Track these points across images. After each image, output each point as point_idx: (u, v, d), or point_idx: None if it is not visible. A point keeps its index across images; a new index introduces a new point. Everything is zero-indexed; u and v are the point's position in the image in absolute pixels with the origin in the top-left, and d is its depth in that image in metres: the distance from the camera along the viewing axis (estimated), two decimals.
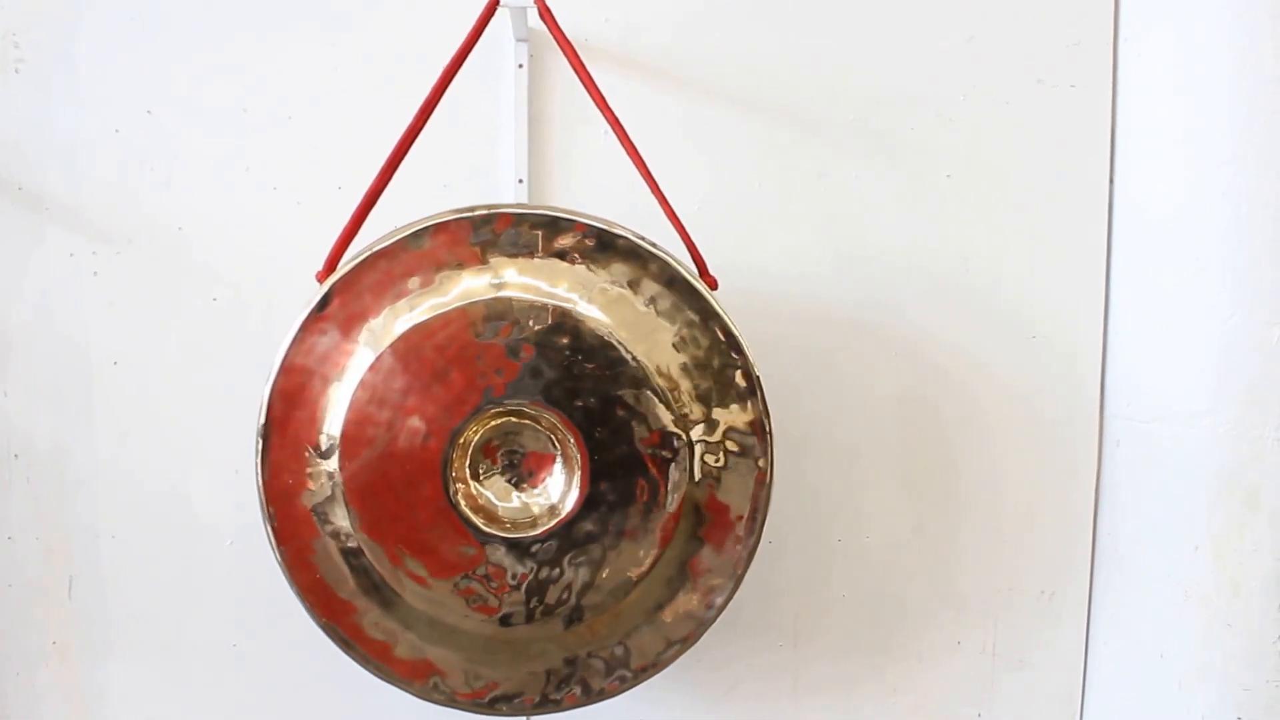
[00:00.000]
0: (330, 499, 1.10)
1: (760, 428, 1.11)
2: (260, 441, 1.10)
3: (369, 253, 1.09)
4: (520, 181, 1.35)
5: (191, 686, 1.42)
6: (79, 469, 1.39)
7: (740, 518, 1.12)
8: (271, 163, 1.36)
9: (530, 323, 1.07)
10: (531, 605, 1.11)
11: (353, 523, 1.09)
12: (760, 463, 1.11)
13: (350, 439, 1.09)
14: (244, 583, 1.38)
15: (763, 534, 1.12)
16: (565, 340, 1.08)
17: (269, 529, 1.11)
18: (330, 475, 1.09)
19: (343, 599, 1.12)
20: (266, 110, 1.35)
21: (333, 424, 1.09)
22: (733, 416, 1.11)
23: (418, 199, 1.23)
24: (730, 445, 1.11)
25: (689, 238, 1.14)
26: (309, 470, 1.10)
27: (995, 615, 1.46)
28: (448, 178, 1.36)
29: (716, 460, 1.11)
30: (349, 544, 1.10)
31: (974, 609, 1.46)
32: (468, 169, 1.37)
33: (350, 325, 1.09)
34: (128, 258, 1.37)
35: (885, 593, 1.44)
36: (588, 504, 1.09)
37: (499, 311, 1.08)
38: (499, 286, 1.08)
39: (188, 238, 1.37)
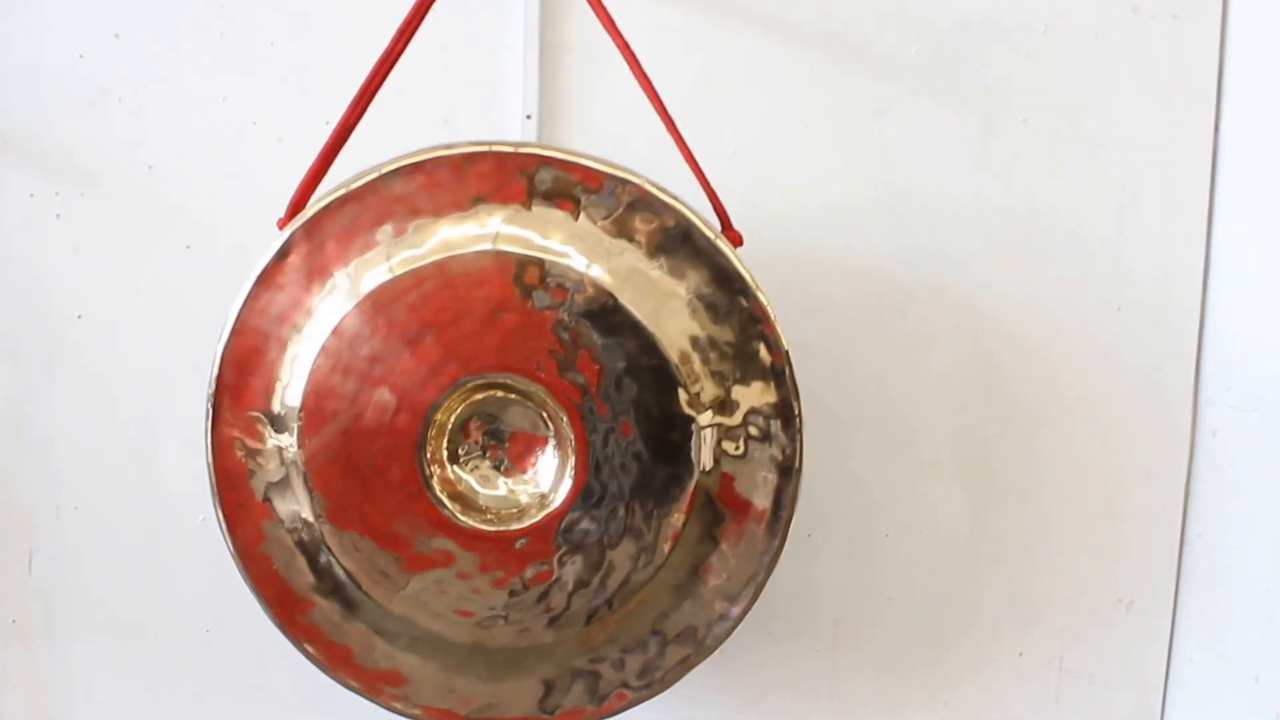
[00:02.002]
0: (286, 481, 0.95)
1: (787, 410, 0.94)
2: (208, 415, 0.96)
3: (333, 196, 0.94)
4: (529, 118, 1.19)
5: (160, 673, 1.29)
6: (38, 434, 1.26)
7: (762, 515, 0.95)
8: (252, 94, 1.21)
9: (515, 281, 0.91)
10: (516, 609, 0.96)
11: (312, 509, 0.95)
12: (787, 451, 0.94)
13: (310, 413, 0.94)
14: (218, 562, 1.24)
15: (789, 532, 0.96)
16: (555, 301, 0.91)
17: (218, 513, 0.98)
18: (287, 454, 0.95)
19: (298, 595, 0.98)
20: (246, 35, 1.19)
21: (290, 396, 0.94)
22: (755, 396, 0.94)
23: (414, 136, 1.07)
24: (752, 430, 0.94)
25: (708, 184, 0.97)
26: (263, 449, 0.96)
27: (1064, 625, 1.29)
28: (448, 112, 1.20)
29: (735, 448, 0.94)
30: (306, 534, 0.96)
31: (1040, 617, 1.28)
32: (471, 103, 1.20)
33: (311, 280, 0.94)
34: (93, 199, 1.23)
35: (938, 595, 1.27)
36: (583, 495, 0.93)
37: (481, 268, 0.92)
38: (481, 238, 0.92)
39: (159, 177, 1.22)
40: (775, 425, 0.94)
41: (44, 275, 1.24)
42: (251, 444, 0.96)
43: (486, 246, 0.92)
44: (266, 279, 0.95)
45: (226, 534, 0.97)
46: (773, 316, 0.93)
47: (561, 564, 0.94)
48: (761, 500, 0.95)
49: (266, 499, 0.96)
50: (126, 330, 1.24)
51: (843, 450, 1.23)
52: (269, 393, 0.95)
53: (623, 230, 0.92)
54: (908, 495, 1.26)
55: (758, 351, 0.93)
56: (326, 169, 0.98)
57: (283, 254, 0.94)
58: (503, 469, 0.97)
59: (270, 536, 0.97)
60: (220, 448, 0.96)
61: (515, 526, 0.95)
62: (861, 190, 1.21)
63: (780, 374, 0.94)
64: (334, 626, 0.98)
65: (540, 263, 0.91)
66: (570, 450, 0.93)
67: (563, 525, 0.94)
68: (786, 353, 0.93)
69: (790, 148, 1.21)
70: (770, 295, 0.95)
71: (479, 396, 0.94)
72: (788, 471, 0.95)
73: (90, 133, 1.22)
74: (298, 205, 0.97)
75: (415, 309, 0.92)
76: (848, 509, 1.25)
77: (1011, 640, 1.29)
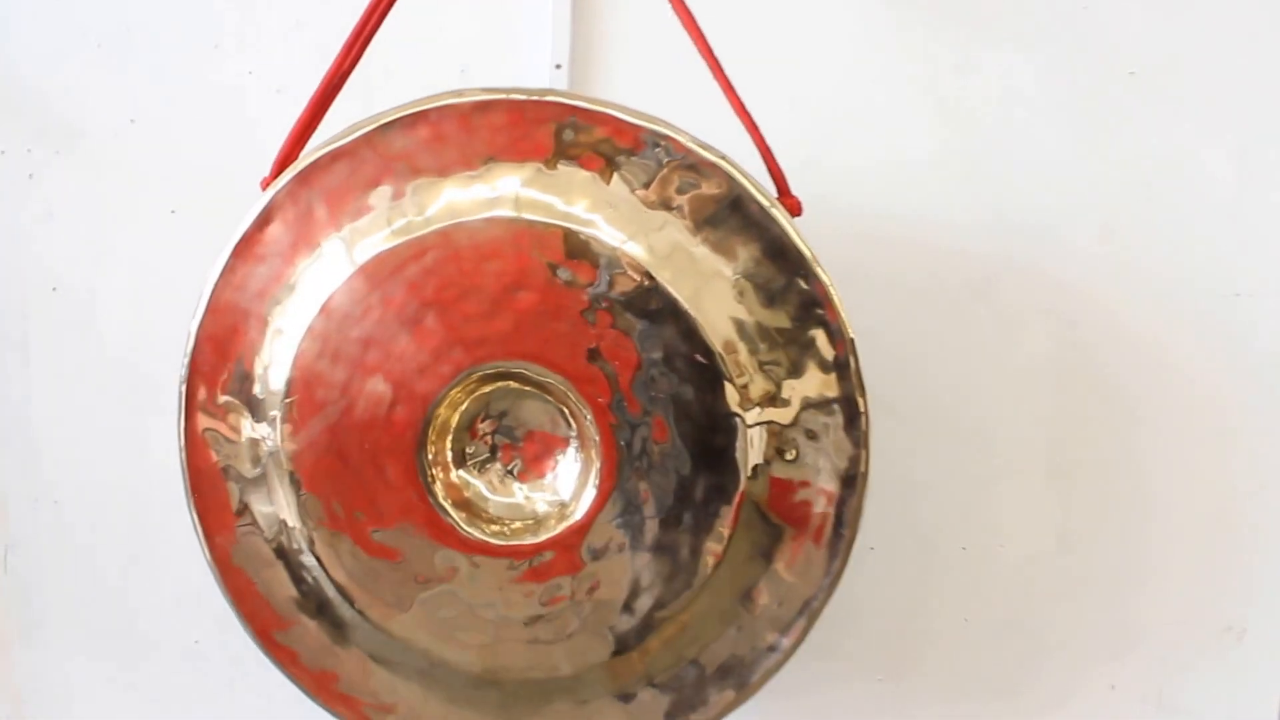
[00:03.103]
0: (268, 482, 0.82)
1: (851, 408, 0.79)
2: (181, 404, 0.83)
3: (321, 153, 0.80)
4: (558, 68, 1.05)
5: (146, 683, 1.19)
6: (12, 418, 1.15)
7: (820, 533, 0.81)
8: (246, 40, 1.08)
9: (535, 254, 0.77)
10: (531, 635, 0.82)
11: (297, 515, 0.82)
12: (850, 457, 0.80)
13: (293, 404, 0.81)
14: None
15: (851, 551, 0.81)
16: (579, 279, 0.77)
17: (193, 517, 0.85)
18: (266, 448, 0.82)
19: (278, 613, 0.85)
20: None
21: (273, 384, 0.81)
22: (813, 391, 0.79)
23: (427, 86, 0.93)
24: (808, 431, 0.79)
25: (764, 143, 0.82)
26: (242, 444, 0.83)
27: (1163, 654, 1.14)
28: (467, 59, 1.07)
29: (789, 453, 0.79)
30: (290, 542, 0.83)
31: (1135, 644, 1.13)
32: (493, 50, 1.07)
33: (296, 251, 0.81)
34: (69, 157, 1.11)
35: (1020, 618, 1.13)
36: (610, 505, 0.79)
37: (493, 237, 0.78)
38: (494, 203, 0.78)
39: (142, 133, 1.10)
40: (836, 426, 0.79)
41: (15, 243, 1.12)
42: (229, 437, 0.83)
43: (500, 213, 0.78)
44: (245, 249, 0.81)
45: (203, 540, 0.85)
46: (836, 299, 0.78)
47: (584, 585, 0.80)
48: (820, 514, 0.80)
49: (243, 500, 0.83)
50: (107, 303, 1.13)
51: (912, 452, 1.08)
52: (248, 379, 0.82)
53: (661, 196, 0.78)
54: (986, 504, 1.11)
55: (815, 340, 0.78)
56: (317, 121, 0.85)
57: (264, 220, 0.81)
58: (516, 473, 0.83)
59: (246, 545, 0.84)
60: (194, 441, 0.84)
61: (531, 540, 0.81)
62: (941, 152, 1.06)
63: (843, 366, 0.79)
64: (322, 648, 0.85)
65: (563, 233, 0.77)
66: (595, 453, 0.79)
67: (586, 540, 0.80)
68: (851, 341, 0.78)
69: (859, 101, 1.06)
70: (833, 274, 0.81)
71: (488, 388, 0.81)
72: (851, 481, 0.80)
73: (66, 81, 1.09)
74: (284, 163, 0.83)
75: (415, 285, 0.78)
76: (916, 519, 1.11)
77: (1102, 671, 1.14)
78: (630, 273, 0.77)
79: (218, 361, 0.82)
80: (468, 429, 0.82)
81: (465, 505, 0.82)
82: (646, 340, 0.77)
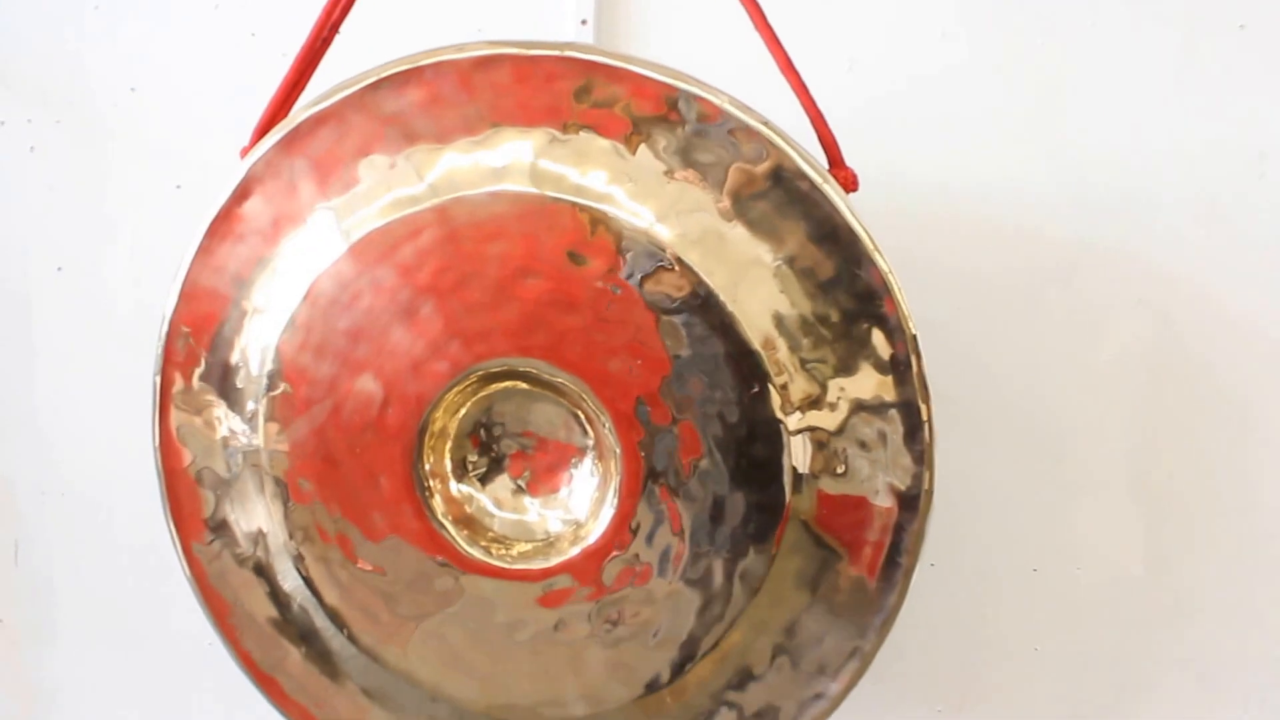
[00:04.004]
0: (244, 489, 0.73)
1: (911, 416, 0.67)
2: (155, 399, 0.75)
3: (304, 116, 0.70)
4: (584, 23, 0.94)
5: (160, 681, 1.11)
6: (18, 406, 1.07)
7: (874, 562, 0.70)
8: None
9: (545, 235, 0.67)
10: (542, 669, 0.72)
11: (278, 527, 0.73)
12: (911, 472, 0.68)
13: (276, 403, 0.71)
14: None
15: (910, 582, 0.70)
16: (594, 265, 0.66)
17: (170, 526, 0.76)
18: (247, 455, 0.73)
19: (265, 634, 0.76)
20: None
21: (252, 379, 0.72)
22: (866, 394, 0.67)
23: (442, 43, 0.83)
24: (862, 441, 0.68)
25: (814, 107, 0.71)
26: (219, 448, 0.74)
27: (1260, 692, 1.00)
28: (485, 15, 0.96)
29: (838, 467, 0.68)
30: (269, 558, 0.74)
31: (1232, 682, 1.00)
32: (513, 4, 0.97)
33: (277, 229, 0.72)
34: (69, 129, 1.03)
35: (1098, 650, 1.00)
36: (632, 524, 0.69)
37: (497, 215, 0.67)
38: (499, 174, 0.67)
39: (143, 102, 1.02)
40: (893, 436, 0.68)
41: (17, 220, 1.05)
42: (204, 435, 0.74)
43: (505, 186, 0.67)
44: (222, 226, 0.72)
45: (181, 554, 0.76)
46: (896, 289, 0.66)
47: (602, 615, 0.70)
48: (874, 541, 0.69)
49: (223, 509, 0.74)
50: (112, 285, 1.05)
51: (980, 461, 0.96)
52: (227, 374, 0.73)
53: (692, 168, 0.67)
54: (1063, 521, 0.98)
55: (870, 336, 0.67)
56: (305, 81, 0.75)
57: (241, 193, 0.72)
58: (525, 487, 0.73)
59: (227, 561, 0.75)
60: (169, 442, 0.75)
61: (541, 564, 0.71)
62: (1018, 120, 0.93)
63: (903, 367, 0.67)
64: (309, 678, 0.76)
65: (577, 211, 0.67)
66: (615, 465, 0.69)
67: (605, 565, 0.70)
68: (914, 338, 0.67)
69: (924, 61, 0.93)
70: (891, 258, 0.69)
71: (492, 389, 0.71)
72: (911, 501, 0.69)
73: (64, 47, 1.01)
74: (264, 129, 0.74)
75: (408, 269, 0.68)
76: (982, 535, 0.98)
77: (1190, 708, 1.01)
78: (655, 258, 0.66)
79: (193, 351, 0.73)
80: (470, 436, 0.72)
81: (467, 522, 0.72)
82: (674, 336, 0.67)
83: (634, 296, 0.66)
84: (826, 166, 0.70)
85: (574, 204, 0.67)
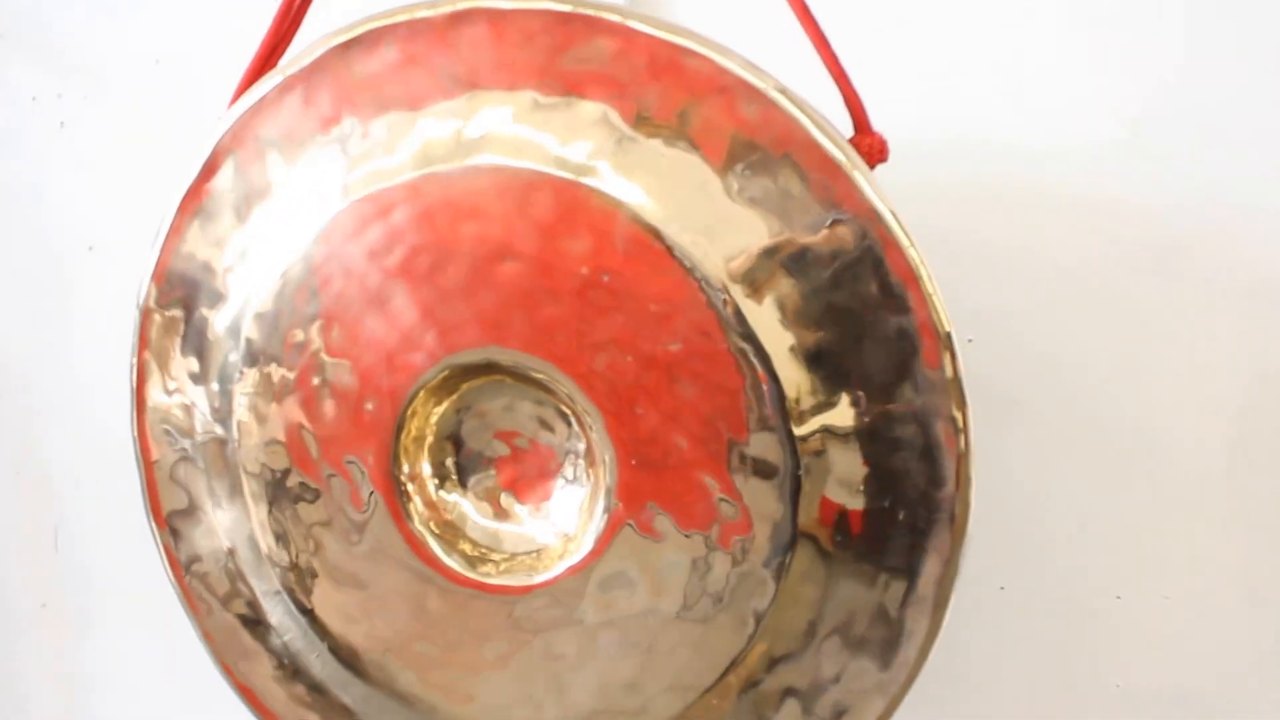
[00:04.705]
0: (215, 486, 0.68)
1: (945, 425, 0.58)
2: (132, 391, 0.70)
3: (272, 84, 0.64)
4: None
5: (198, 672, 1.06)
6: (52, 387, 1.05)
7: (904, 590, 0.60)
8: None
9: (522, 212, 0.59)
10: (521, 690, 0.65)
11: (255, 532, 0.67)
12: (941, 493, 0.58)
13: (247, 396, 0.66)
14: None
15: (940, 628, 0.60)
16: (579, 247, 0.59)
17: (152, 525, 0.72)
18: (222, 451, 0.67)
19: (247, 645, 0.71)
20: None
21: (227, 369, 0.67)
22: (888, 400, 0.58)
23: None
24: (880, 451, 0.58)
25: (836, 62, 0.61)
26: (198, 442, 0.69)
27: None
28: None
29: (855, 481, 0.59)
30: (233, 565, 0.68)
31: None
32: None
33: (249, 205, 0.66)
34: (98, 102, 0.99)
35: (1190, 689, 0.86)
36: (621, 542, 0.61)
37: (471, 190, 0.60)
38: (475, 145, 0.60)
39: (169, 73, 0.97)
40: (921, 448, 0.58)
41: (49, 197, 1.02)
42: (180, 426, 0.69)
43: (480, 159, 0.60)
44: (191, 204, 0.67)
45: (167, 565, 0.72)
46: (926, 277, 0.57)
47: (589, 643, 0.63)
48: (897, 563, 0.60)
49: (199, 511, 0.69)
50: (147, 263, 1.01)
51: (1055, 474, 0.84)
52: (198, 361, 0.68)
53: (689, 136, 0.58)
54: (1152, 543, 0.85)
55: (892, 335, 0.57)
56: (287, 42, 0.69)
57: (210, 168, 0.66)
58: (509, 492, 0.66)
59: (211, 565, 0.70)
60: (144, 434, 0.70)
61: (525, 579, 0.64)
62: (1080, 79, 0.79)
63: (934, 369, 0.58)
64: (287, 695, 0.70)
65: (557, 185, 0.59)
66: (605, 472, 0.61)
67: (589, 585, 0.62)
68: (948, 336, 0.57)
69: (969, 18, 0.80)
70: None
71: (472, 385, 0.64)
72: (932, 525, 0.59)
73: (90, 19, 0.97)
74: (244, 90, 0.68)
75: (377, 252, 0.62)
76: (1060, 557, 0.86)
77: None
78: (641, 238, 0.58)
79: (167, 339, 0.68)
80: (449, 437, 0.65)
81: (446, 530, 0.65)
82: (666, 327, 0.58)
83: (623, 283, 0.58)
84: (848, 135, 0.61)
85: (556, 178, 0.59)
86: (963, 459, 0.58)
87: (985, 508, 0.85)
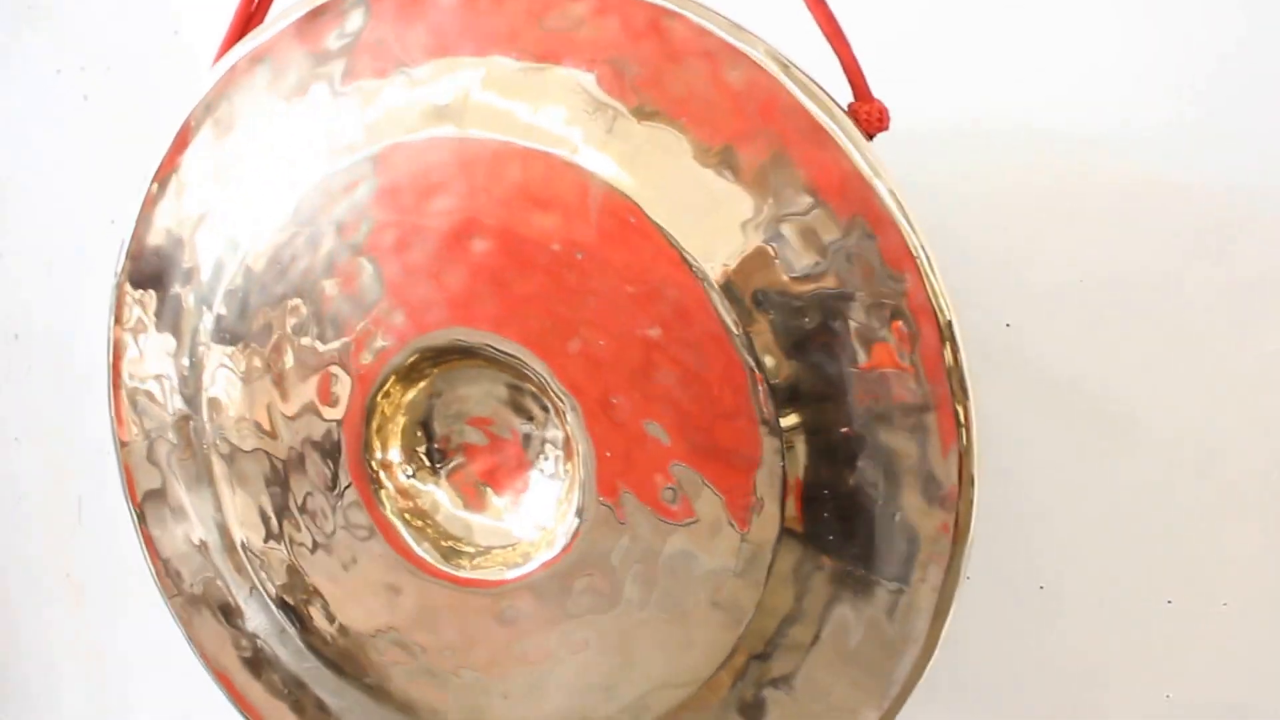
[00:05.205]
0: (187, 467, 0.66)
1: (944, 421, 0.53)
2: (108, 369, 0.68)
3: (240, 54, 0.61)
4: None
5: None
6: (77, 357, 1.05)
7: (899, 595, 0.55)
8: None
9: (490, 186, 0.55)
10: (502, 694, 0.62)
11: (226, 516, 0.65)
12: (940, 490, 0.53)
13: (215, 378, 0.63)
14: None
15: (939, 640, 0.55)
16: (550, 223, 0.55)
17: (128, 504, 0.70)
18: (193, 430, 0.65)
19: (219, 631, 0.69)
20: None
21: (195, 349, 0.64)
22: (879, 390, 0.53)
23: None
24: (871, 446, 0.53)
25: (834, 23, 0.55)
26: (171, 421, 0.66)
27: None
28: None
29: (841, 476, 0.54)
30: (210, 538, 0.66)
31: None
32: None
33: (218, 182, 0.63)
34: (120, 75, 0.98)
35: (1248, 701, 0.78)
36: (596, 536, 0.57)
37: (438, 163, 0.56)
38: (441, 114, 0.56)
39: (189, 45, 0.95)
40: (920, 445, 0.53)
41: (72, 172, 1.01)
42: (152, 408, 0.67)
43: (449, 129, 0.56)
44: (165, 176, 0.64)
45: (143, 546, 0.70)
46: (924, 261, 0.52)
47: (566, 639, 0.59)
48: (889, 567, 0.55)
49: (165, 486, 0.67)
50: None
51: (1100, 474, 0.77)
52: (172, 339, 0.65)
53: (670, 103, 0.54)
54: (1202, 546, 0.77)
55: (885, 321, 0.52)
56: (265, 8, 0.66)
57: (181, 143, 0.64)
58: (482, 483, 0.62)
59: (194, 560, 0.68)
60: (120, 413, 0.68)
61: (498, 574, 0.60)
62: (1139, 48, 0.71)
63: (931, 360, 0.52)
64: (258, 678, 0.68)
65: (526, 156, 0.55)
66: (581, 463, 0.57)
67: (562, 582, 0.58)
68: (948, 325, 0.52)
69: None
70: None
71: (444, 368, 0.60)
72: (931, 526, 0.54)
73: None
74: (227, 47, 0.65)
75: (345, 228, 0.59)
76: (1104, 558, 0.79)
77: None
78: (617, 213, 0.54)
79: (142, 317, 0.66)
80: (421, 423, 0.62)
81: (421, 521, 0.62)
82: (644, 308, 0.54)
83: (597, 262, 0.54)
84: (846, 102, 0.55)
85: (526, 149, 0.55)
86: (965, 456, 0.53)
87: (1025, 502, 0.80)
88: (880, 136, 0.57)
